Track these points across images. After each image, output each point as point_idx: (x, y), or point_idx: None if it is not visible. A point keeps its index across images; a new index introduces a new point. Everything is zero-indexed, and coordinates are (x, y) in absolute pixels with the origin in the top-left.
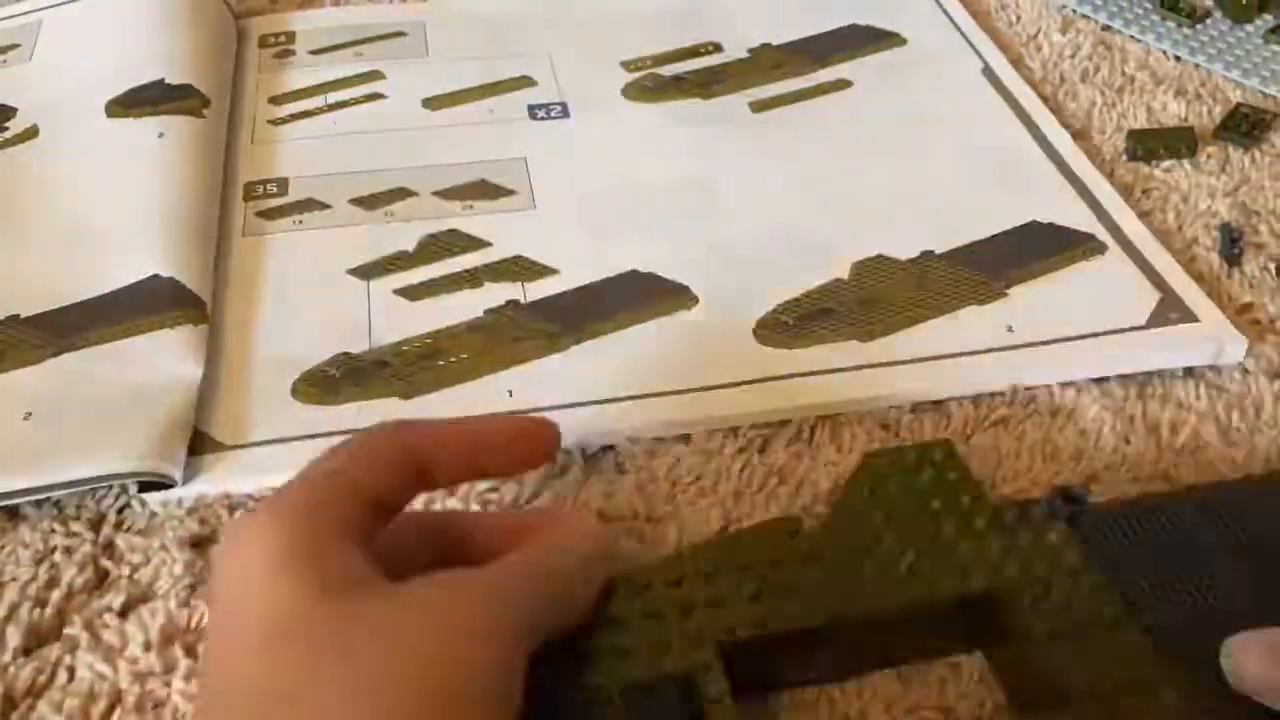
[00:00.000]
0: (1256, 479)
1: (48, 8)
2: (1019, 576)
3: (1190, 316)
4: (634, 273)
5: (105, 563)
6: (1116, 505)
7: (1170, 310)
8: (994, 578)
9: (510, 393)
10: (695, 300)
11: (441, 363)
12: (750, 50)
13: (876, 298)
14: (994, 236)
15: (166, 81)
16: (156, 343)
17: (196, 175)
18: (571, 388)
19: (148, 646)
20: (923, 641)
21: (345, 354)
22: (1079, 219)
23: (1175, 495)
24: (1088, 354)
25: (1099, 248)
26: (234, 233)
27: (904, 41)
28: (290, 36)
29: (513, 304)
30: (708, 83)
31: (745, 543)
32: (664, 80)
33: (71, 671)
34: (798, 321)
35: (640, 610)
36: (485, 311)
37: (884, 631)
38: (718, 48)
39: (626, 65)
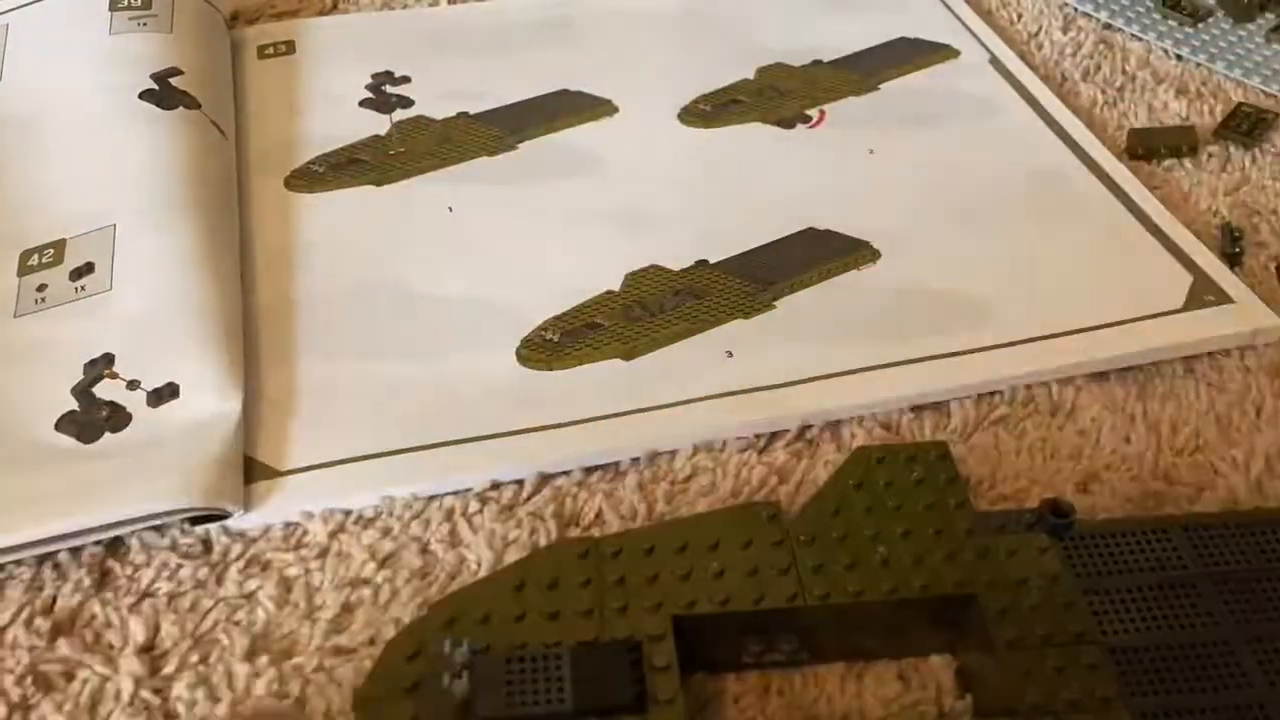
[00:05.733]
0: (1244, 514)
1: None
2: (992, 582)
3: (1225, 298)
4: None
5: (110, 563)
6: (1104, 524)
7: (1205, 292)
8: (966, 580)
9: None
10: None
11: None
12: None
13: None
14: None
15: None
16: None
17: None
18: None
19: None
20: (890, 638)
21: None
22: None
23: (1163, 520)
24: (1132, 339)
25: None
26: None
27: (956, 54)
28: None
29: None
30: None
31: (721, 521)
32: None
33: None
34: None
35: (607, 574)
36: None
37: (849, 622)
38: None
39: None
